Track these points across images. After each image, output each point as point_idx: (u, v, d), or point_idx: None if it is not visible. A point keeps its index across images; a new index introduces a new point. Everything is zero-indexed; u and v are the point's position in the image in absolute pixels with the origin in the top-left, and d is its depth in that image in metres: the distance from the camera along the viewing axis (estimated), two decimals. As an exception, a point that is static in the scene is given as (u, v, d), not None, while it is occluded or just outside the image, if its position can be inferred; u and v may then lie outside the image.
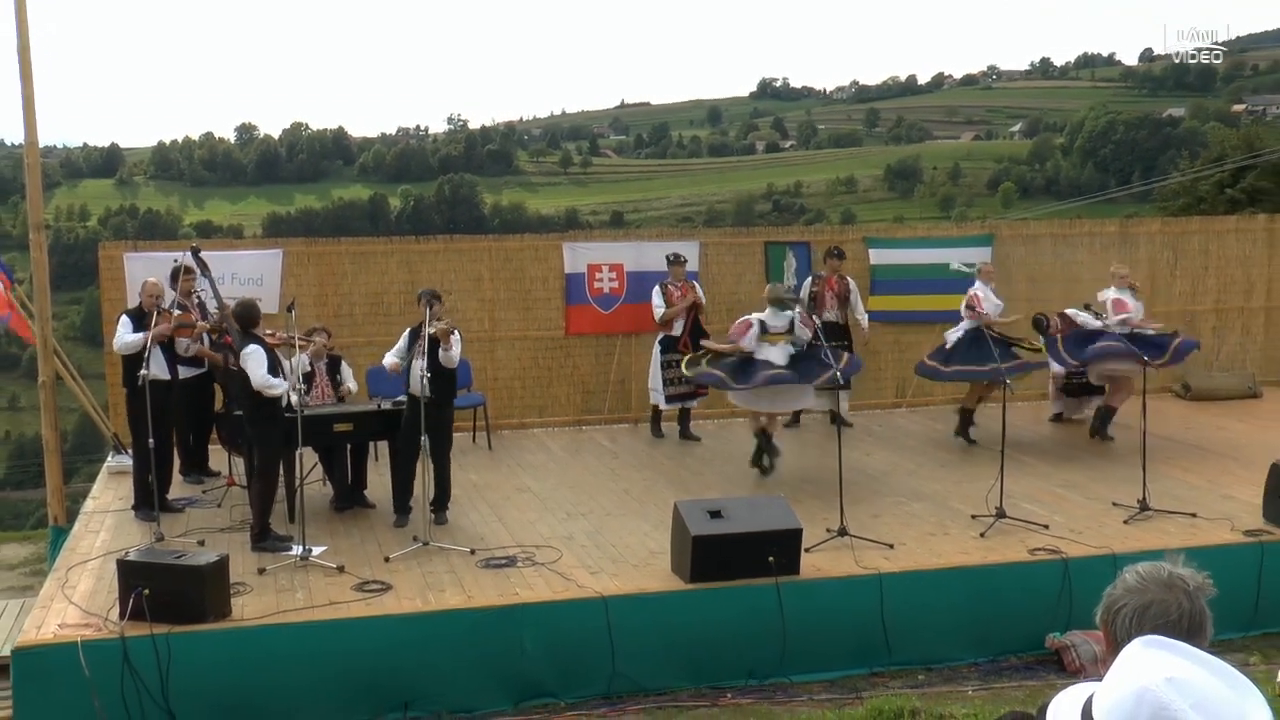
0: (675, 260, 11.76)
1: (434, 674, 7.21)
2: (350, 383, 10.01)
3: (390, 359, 9.08)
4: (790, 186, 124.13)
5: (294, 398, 8.57)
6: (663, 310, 11.57)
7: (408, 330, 9.20)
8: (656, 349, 11.75)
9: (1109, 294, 11.52)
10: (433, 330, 8.74)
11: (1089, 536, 8.61)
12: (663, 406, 11.95)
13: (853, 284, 12.28)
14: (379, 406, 9.62)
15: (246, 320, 8.63)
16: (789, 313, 10.19)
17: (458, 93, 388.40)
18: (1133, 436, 10.68)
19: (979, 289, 11.58)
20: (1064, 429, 12.42)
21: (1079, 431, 12.26)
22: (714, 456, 11.32)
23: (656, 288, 11.74)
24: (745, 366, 10.05)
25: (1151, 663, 1.94)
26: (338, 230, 75.97)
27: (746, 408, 10.58)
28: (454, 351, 8.88)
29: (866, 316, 12.23)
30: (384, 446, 10.03)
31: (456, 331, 8.94)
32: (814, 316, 11.05)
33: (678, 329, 11.58)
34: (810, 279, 12.30)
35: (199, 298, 10.24)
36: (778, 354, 10.04)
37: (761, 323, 10.10)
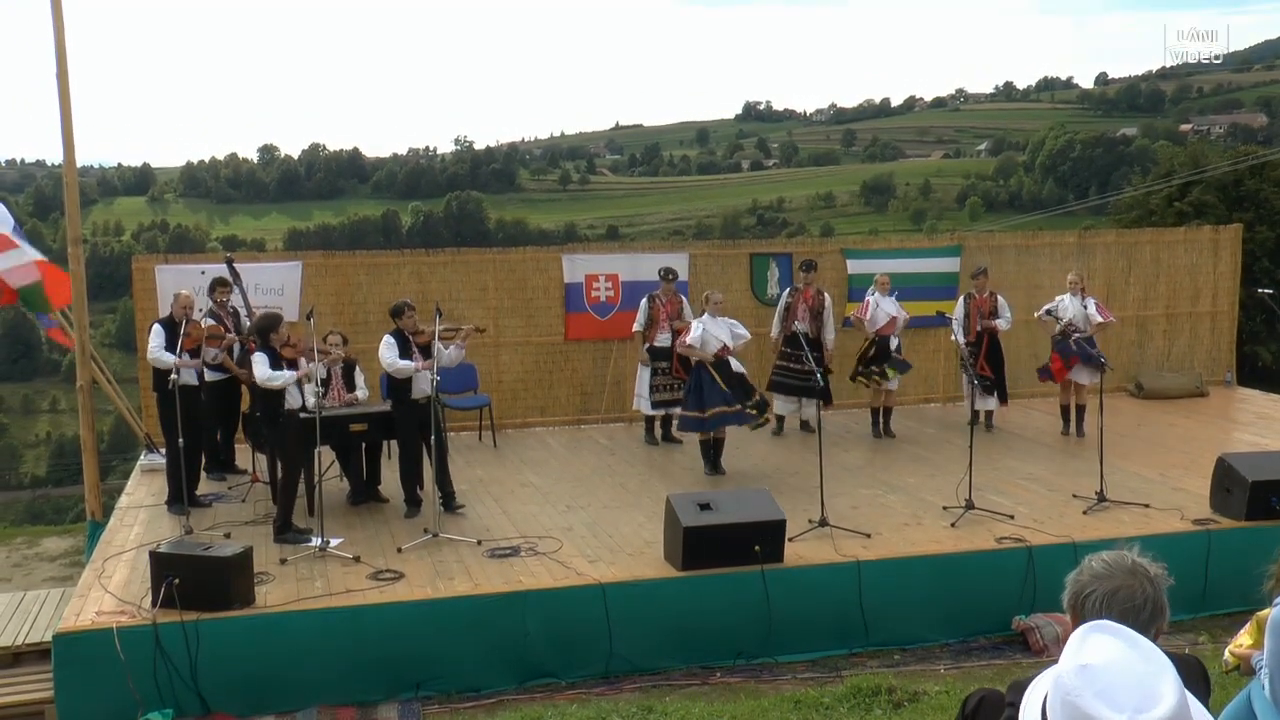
0: (666, 276, 11.40)
1: (443, 656, 7.19)
2: (360, 392, 9.89)
3: (405, 363, 8.94)
4: (773, 202, 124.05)
5: (310, 399, 8.54)
6: (639, 327, 11.32)
7: (391, 336, 9.00)
8: (645, 356, 11.42)
9: (1064, 299, 11.55)
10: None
11: (1051, 526, 8.60)
12: (647, 412, 11.59)
13: (828, 299, 11.75)
14: (391, 408, 9.59)
15: (262, 331, 8.61)
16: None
17: (464, 115, 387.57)
18: (1091, 433, 10.73)
19: (874, 298, 11.67)
20: (1029, 427, 12.39)
21: (1041, 429, 12.25)
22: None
23: (645, 299, 11.43)
24: (699, 396, 10.12)
25: (1077, 650, 1.94)
26: (353, 244, 76.14)
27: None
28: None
29: (833, 335, 11.74)
30: (395, 445, 9.99)
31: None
32: (785, 324, 11.37)
33: (667, 340, 11.19)
34: (787, 290, 11.95)
35: (233, 308, 10.21)
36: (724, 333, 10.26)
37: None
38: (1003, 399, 11.98)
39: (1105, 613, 2.19)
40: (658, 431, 11.79)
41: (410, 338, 8.99)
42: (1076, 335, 11.22)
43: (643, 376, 11.51)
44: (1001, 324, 11.74)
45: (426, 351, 8.86)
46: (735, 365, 10.29)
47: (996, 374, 11.80)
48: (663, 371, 11.26)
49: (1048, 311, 11.40)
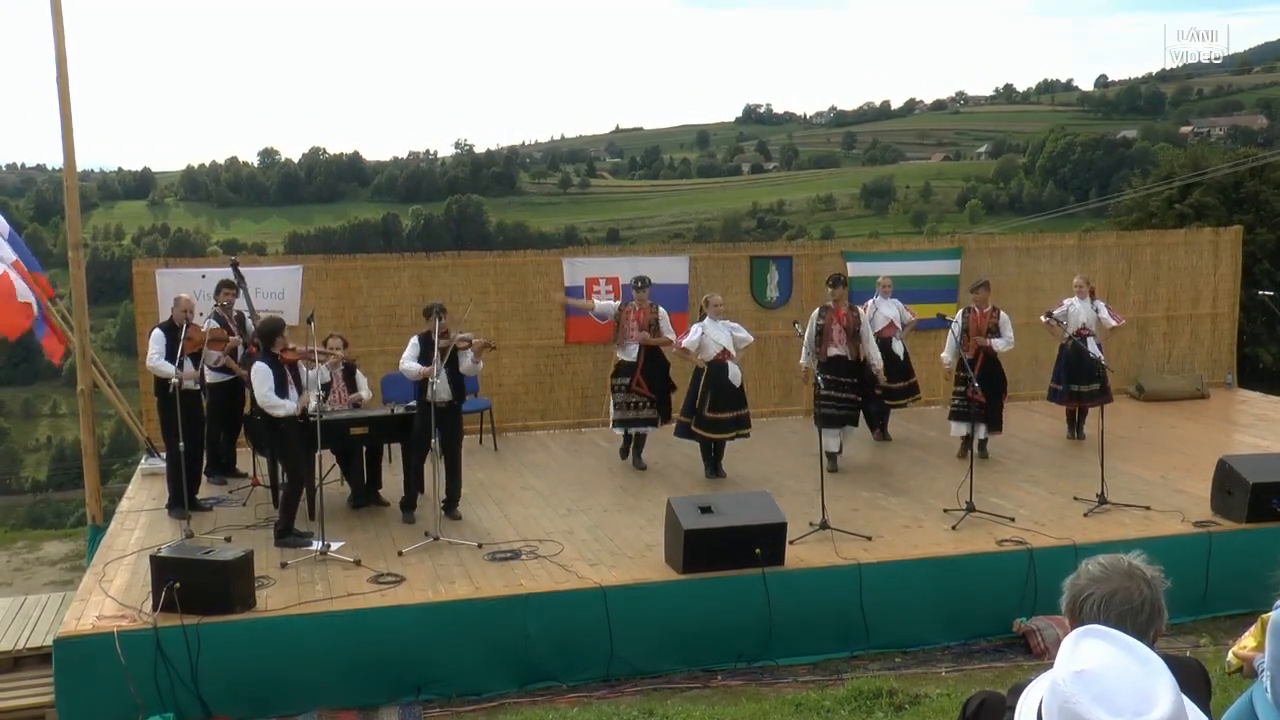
0: (639, 285, 10.67)
1: (445, 659, 7.19)
2: (364, 391, 9.93)
3: (417, 366, 8.96)
4: (773, 205, 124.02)
5: (313, 403, 8.54)
6: (612, 329, 10.80)
7: (417, 338, 9.14)
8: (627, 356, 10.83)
9: (1073, 303, 11.46)
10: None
11: (1052, 528, 8.60)
12: (614, 431, 11.06)
13: (863, 316, 10.55)
14: (393, 411, 9.60)
15: (266, 336, 8.59)
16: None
17: (464, 119, 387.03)
18: (1092, 435, 10.72)
19: (873, 300, 11.57)
20: (1030, 429, 12.38)
21: (1042, 432, 12.24)
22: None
23: (615, 310, 10.83)
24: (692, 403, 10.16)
25: (1071, 655, 1.94)
26: (354, 248, 76.01)
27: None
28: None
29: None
30: (397, 448, 10.00)
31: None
32: (819, 349, 10.19)
33: (632, 354, 10.53)
34: (818, 310, 10.45)
35: (238, 311, 10.21)
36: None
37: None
38: (994, 427, 10.83)
39: (1103, 616, 2.20)
40: (623, 454, 11.18)
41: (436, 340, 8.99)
42: (1089, 337, 11.16)
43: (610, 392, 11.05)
44: (1000, 344, 10.61)
45: (444, 355, 8.81)
46: (734, 373, 10.25)
47: (991, 399, 10.47)
48: (623, 389, 10.58)
49: (1051, 315, 11.12)
